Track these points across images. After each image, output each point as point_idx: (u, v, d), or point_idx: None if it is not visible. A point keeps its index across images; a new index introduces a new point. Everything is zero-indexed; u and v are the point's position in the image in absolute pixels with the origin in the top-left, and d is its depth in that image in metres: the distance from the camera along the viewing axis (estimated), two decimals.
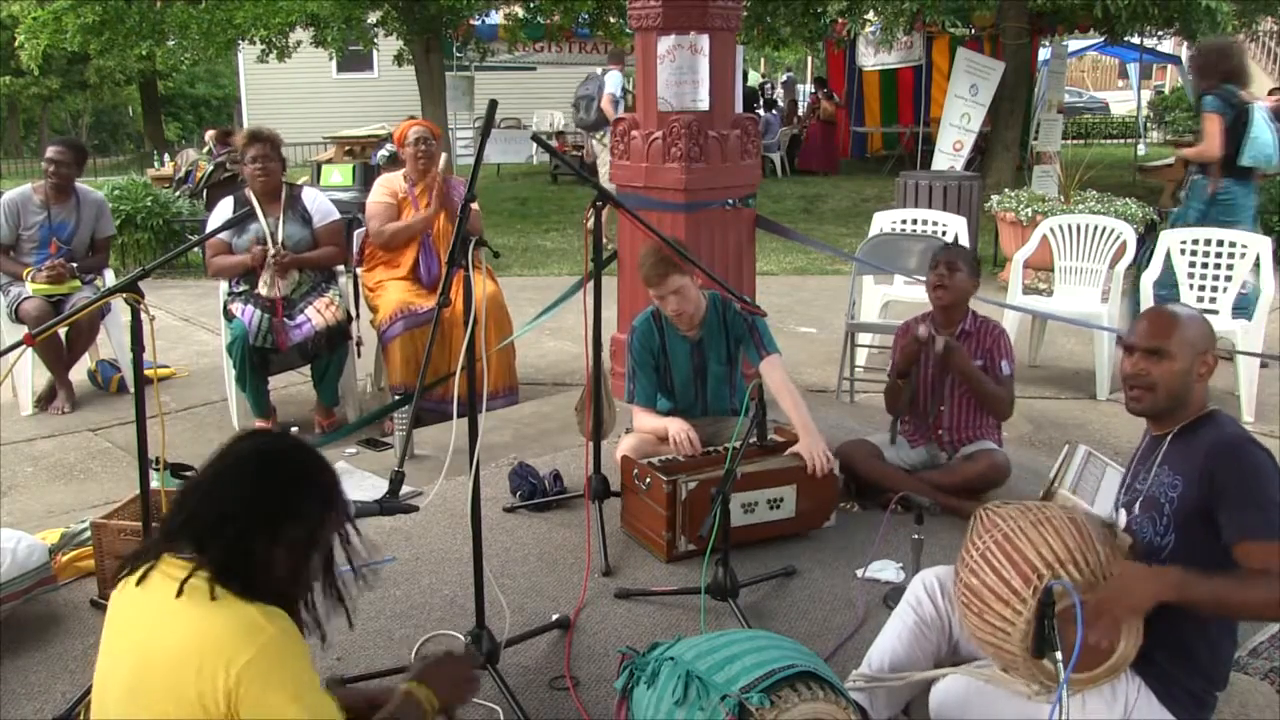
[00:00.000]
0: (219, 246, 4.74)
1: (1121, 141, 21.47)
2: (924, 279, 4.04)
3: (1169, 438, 2.22)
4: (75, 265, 5.29)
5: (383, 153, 9.78)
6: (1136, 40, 15.45)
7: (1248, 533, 2.00)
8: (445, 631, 2.99)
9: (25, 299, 5.13)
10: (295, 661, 1.66)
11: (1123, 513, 2.31)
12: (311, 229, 4.83)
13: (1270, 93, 12.45)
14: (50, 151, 5.37)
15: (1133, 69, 21.80)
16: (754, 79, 23.55)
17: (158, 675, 1.63)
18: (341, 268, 5.04)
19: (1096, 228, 5.83)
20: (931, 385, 3.90)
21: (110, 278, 5.55)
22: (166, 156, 14.15)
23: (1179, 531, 2.12)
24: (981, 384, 3.80)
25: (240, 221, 4.63)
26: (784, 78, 25.05)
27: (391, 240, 5.03)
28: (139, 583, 1.71)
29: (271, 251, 4.64)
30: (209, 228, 4.50)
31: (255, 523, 1.70)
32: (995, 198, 7.73)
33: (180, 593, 1.64)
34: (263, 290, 4.64)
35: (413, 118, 5.55)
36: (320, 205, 4.91)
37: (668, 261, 3.55)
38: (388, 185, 5.12)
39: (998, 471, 3.73)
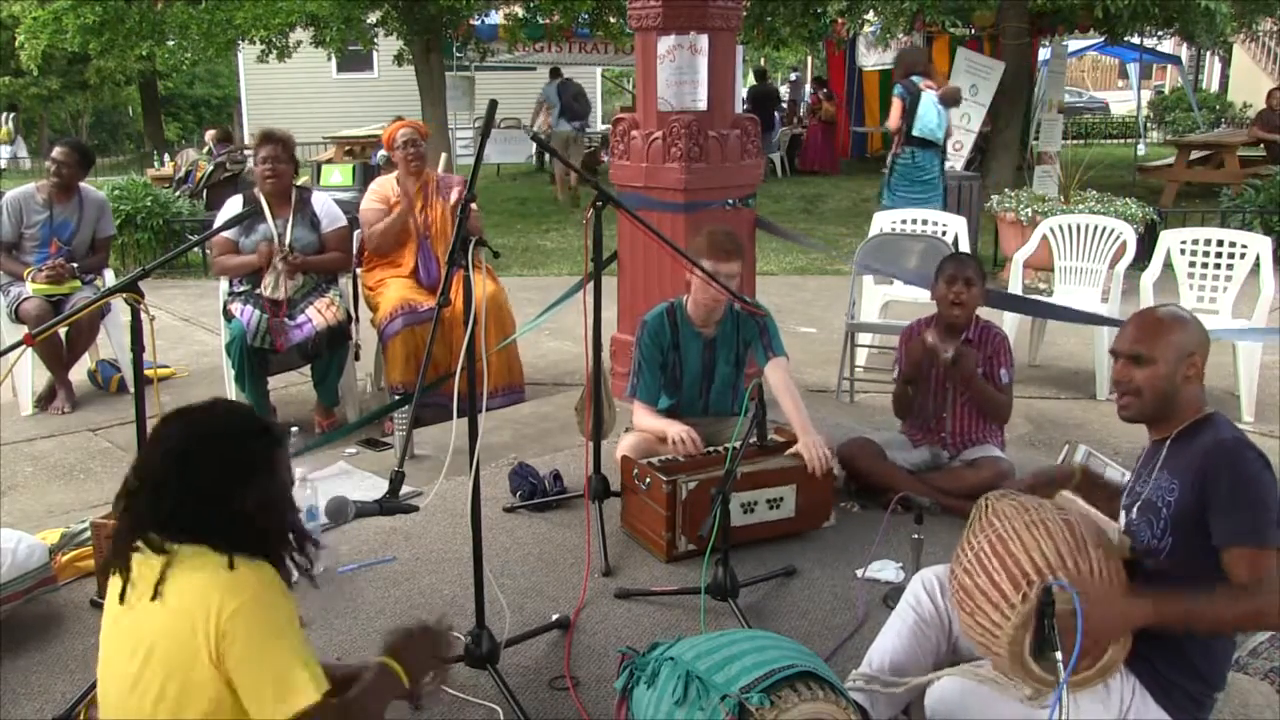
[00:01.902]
0: (225, 245, 4.73)
1: (1121, 141, 21.44)
2: (920, 281, 4.03)
3: (1168, 442, 2.21)
4: (75, 265, 5.29)
5: (382, 153, 9.78)
6: (1136, 40, 15.45)
7: (1236, 538, 2.01)
8: None
9: (25, 299, 5.12)
10: (280, 610, 1.72)
11: (1122, 515, 2.31)
12: (319, 233, 4.82)
13: (1270, 93, 12.48)
14: (55, 152, 5.36)
15: (1133, 69, 21.78)
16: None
17: (157, 648, 1.69)
18: None
19: (1096, 228, 5.83)
20: (936, 391, 3.90)
21: (110, 278, 5.55)
22: (166, 156, 14.16)
23: (1175, 535, 2.12)
24: (985, 393, 3.81)
25: (247, 219, 4.61)
26: (792, 77, 25.04)
27: (381, 242, 5.02)
28: (122, 596, 1.78)
29: (281, 253, 4.64)
30: (219, 224, 4.48)
31: (223, 494, 1.76)
32: (995, 198, 7.73)
33: (156, 595, 1.71)
34: (266, 292, 4.63)
35: (400, 118, 5.53)
36: (329, 210, 4.90)
37: (741, 247, 3.61)
38: (380, 190, 5.11)
39: (1003, 480, 3.72)
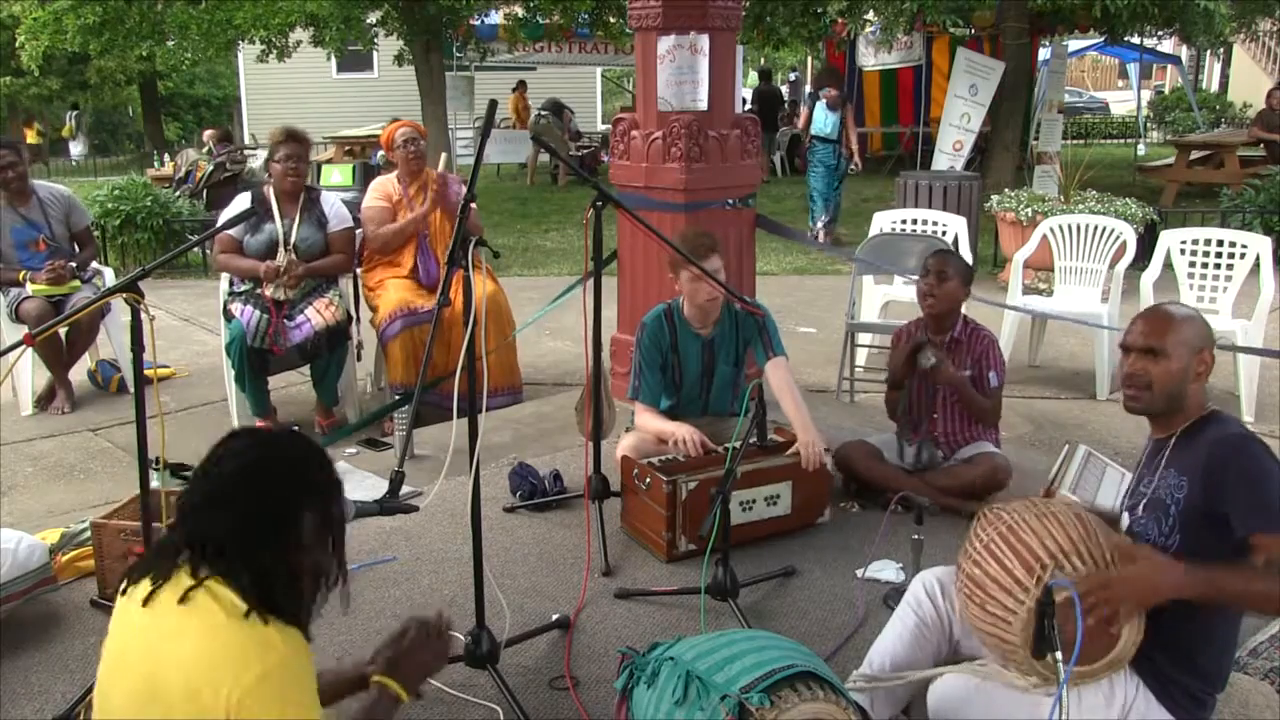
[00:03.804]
0: (228, 243, 4.71)
1: (1121, 141, 21.45)
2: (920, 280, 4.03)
3: (1173, 440, 2.21)
4: (74, 265, 5.28)
5: (383, 153, 9.80)
6: (1136, 40, 15.45)
7: (1261, 527, 2.00)
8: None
9: (25, 299, 5.12)
10: (303, 684, 1.64)
11: (1126, 515, 2.31)
12: (325, 233, 4.82)
13: (1270, 93, 12.49)
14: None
15: (1133, 69, 21.79)
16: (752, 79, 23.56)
17: (165, 686, 1.61)
18: None
19: (1096, 228, 5.83)
20: (921, 395, 3.89)
21: (110, 278, 5.55)
22: (166, 156, 14.17)
23: (1184, 532, 2.12)
24: (969, 396, 3.80)
25: (252, 217, 4.58)
26: (792, 77, 25.08)
27: (388, 244, 5.02)
28: (148, 599, 1.68)
29: (282, 263, 4.62)
30: (223, 221, 4.43)
31: (276, 531, 1.68)
32: (995, 198, 7.72)
33: (184, 599, 1.62)
34: (268, 292, 4.64)
35: (397, 119, 5.53)
36: (338, 210, 4.89)
37: (713, 237, 3.62)
38: (382, 188, 5.11)
39: (999, 474, 3.73)
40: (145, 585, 1.69)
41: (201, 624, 1.62)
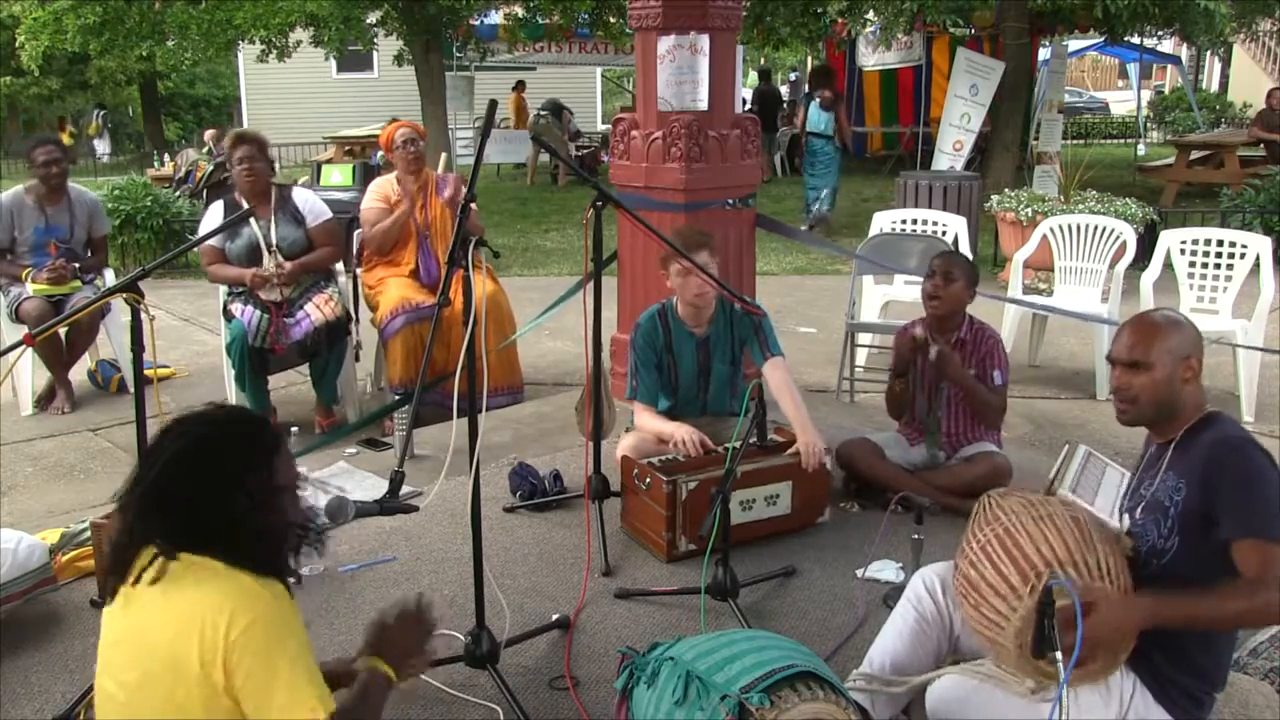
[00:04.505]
0: (213, 254, 4.71)
1: (1121, 141, 21.45)
2: (922, 280, 4.03)
3: (1173, 444, 2.21)
4: (77, 266, 5.28)
5: (382, 154, 9.79)
6: (1136, 40, 15.45)
7: (1245, 531, 2.01)
8: (445, 632, 2.98)
9: (25, 299, 5.12)
10: (292, 629, 1.71)
11: (1126, 517, 2.31)
12: (305, 229, 4.81)
13: (1270, 93, 12.49)
14: (43, 156, 5.20)
15: (1133, 69, 21.79)
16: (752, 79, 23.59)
17: (161, 658, 1.66)
18: (341, 267, 5.03)
19: (1096, 228, 5.83)
20: (928, 391, 3.89)
21: (110, 277, 5.55)
22: (166, 156, 14.17)
23: (1182, 534, 2.12)
24: (975, 391, 3.79)
25: (231, 225, 4.57)
26: (792, 77, 25.10)
27: (382, 242, 5.02)
28: (119, 597, 1.77)
29: (271, 268, 4.61)
30: (202, 232, 4.45)
31: (226, 499, 1.74)
32: (995, 198, 7.72)
33: (156, 579, 1.70)
34: (264, 295, 4.64)
35: (395, 119, 5.54)
36: (312, 205, 4.87)
37: (706, 233, 3.63)
38: (380, 190, 5.11)
39: (999, 475, 3.72)
40: (116, 589, 1.78)
41: (184, 590, 1.69)
